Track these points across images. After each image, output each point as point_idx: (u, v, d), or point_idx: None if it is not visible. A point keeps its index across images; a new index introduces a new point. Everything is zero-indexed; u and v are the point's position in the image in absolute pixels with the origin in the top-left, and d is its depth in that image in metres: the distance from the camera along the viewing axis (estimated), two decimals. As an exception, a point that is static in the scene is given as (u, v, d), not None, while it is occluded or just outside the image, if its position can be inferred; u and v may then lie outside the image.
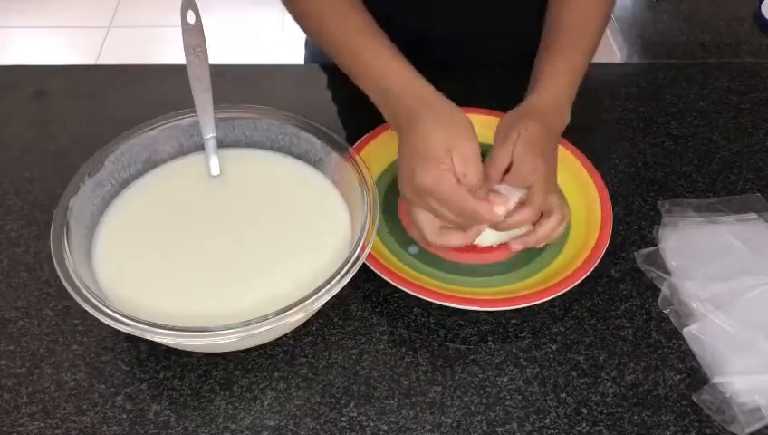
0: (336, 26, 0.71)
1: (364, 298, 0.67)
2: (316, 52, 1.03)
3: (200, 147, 0.72)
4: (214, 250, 0.65)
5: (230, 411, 0.59)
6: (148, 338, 0.55)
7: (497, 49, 0.89)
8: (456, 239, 0.66)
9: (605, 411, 0.60)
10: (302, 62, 1.08)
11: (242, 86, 0.89)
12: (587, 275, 0.66)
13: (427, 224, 0.65)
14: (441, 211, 0.63)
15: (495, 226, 0.66)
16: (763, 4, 1.22)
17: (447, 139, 0.61)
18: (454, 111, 0.64)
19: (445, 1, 0.88)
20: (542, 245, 0.69)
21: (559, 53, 0.73)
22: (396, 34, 0.70)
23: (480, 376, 0.62)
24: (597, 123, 0.88)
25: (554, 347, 0.64)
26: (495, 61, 0.92)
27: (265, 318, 0.54)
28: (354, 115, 0.86)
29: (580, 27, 0.75)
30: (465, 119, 0.63)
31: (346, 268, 0.58)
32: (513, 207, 0.66)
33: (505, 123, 0.67)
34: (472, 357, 0.63)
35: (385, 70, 0.67)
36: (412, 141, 0.63)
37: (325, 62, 0.95)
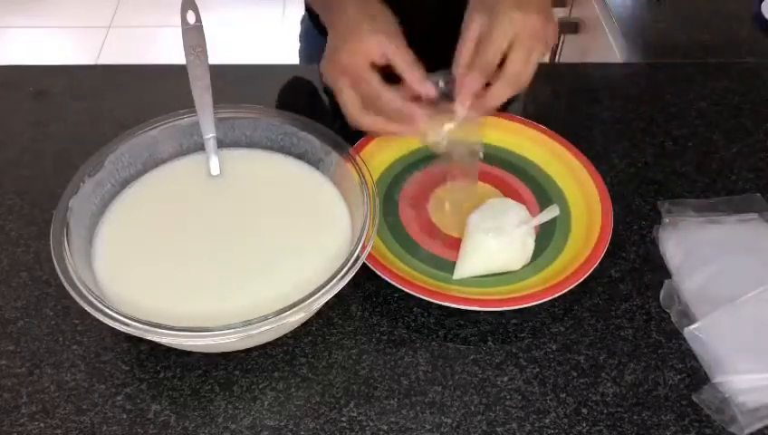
0: None
1: (364, 298, 0.67)
2: (310, 45, 1.03)
3: (200, 147, 0.72)
4: (214, 250, 0.65)
5: (230, 411, 0.59)
6: (149, 338, 0.55)
7: None
8: (383, 124, 0.66)
9: (605, 411, 0.60)
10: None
11: (242, 86, 0.89)
12: (587, 275, 0.66)
13: (348, 101, 0.66)
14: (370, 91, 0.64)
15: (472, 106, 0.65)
16: (763, 5, 1.22)
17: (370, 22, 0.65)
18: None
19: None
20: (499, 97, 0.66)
21: None
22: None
23: (480, 376, 0.62)
24: (597, 123, 0.88)
25: (554, 347, 0.64)
26: None
27: (265, 318, 0.54)
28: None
29: None
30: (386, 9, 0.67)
31: (346, 268, 0.58)
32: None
33: None
34: (472, 357, 0.63)
35: None
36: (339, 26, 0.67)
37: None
